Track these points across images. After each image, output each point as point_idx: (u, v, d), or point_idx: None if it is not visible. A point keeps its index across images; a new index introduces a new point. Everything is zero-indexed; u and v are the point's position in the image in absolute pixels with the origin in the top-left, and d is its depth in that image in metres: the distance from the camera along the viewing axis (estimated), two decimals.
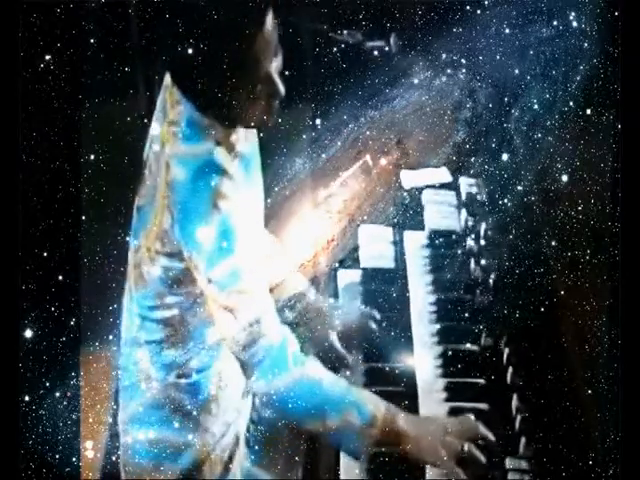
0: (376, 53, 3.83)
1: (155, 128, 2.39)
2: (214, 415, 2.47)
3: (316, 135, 2.39)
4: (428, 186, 3.21)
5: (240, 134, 2.37)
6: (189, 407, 2.45)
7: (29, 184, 3.95)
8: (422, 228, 3.05)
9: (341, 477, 2.33)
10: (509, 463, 2.19)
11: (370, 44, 4.02)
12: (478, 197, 2.97)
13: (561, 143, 2.63)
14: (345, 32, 3.98)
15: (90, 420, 3.38)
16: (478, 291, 2.64)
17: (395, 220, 3.18)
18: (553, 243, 2.54)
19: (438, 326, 2.63)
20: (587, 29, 2.64)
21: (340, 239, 3.20)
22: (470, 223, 2.87)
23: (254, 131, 2.48)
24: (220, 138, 2.31)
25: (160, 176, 2.33)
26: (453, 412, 2.36)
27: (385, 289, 2.86)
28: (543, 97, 2.77)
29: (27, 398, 3.72)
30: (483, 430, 2.25)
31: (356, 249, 3.05)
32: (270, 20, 2.20)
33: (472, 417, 2.28)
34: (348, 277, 2.97)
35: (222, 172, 2.26)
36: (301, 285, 2.73)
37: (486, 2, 3.37)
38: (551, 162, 2.65)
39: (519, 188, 2.75)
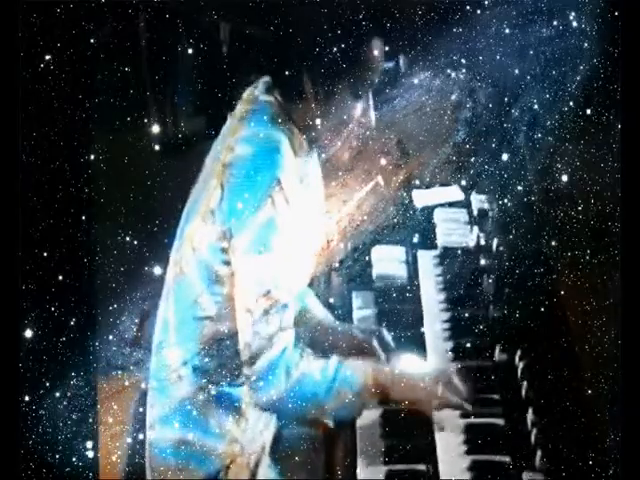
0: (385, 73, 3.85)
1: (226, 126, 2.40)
2: (242, 425, 2.46)
3: (316, 135, 2.38)
4: (440, 204, 3.21)
5: (305, 143, 2.38)
6: (218, 414, 2.44)
7: (29, 184, 3.96)
8: (434, 247, 3.06)
9: None
10: (525, 477, 2.18)
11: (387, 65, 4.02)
12: (490, 213, 2.97)
13: (561, 143, 2.63)
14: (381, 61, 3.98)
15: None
16: (491, 306, 2.64)
17: (407, 239, 3.18)
18: (553, 243, 2.54)
19: (452, 343, 2.64)
20: (587, 29, 2.64)
21: (339, 241, 3.20)
22: (482, 239, 2.87)
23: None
24: (291, 135, 2.31)
25: (218, 163, 2.31)
26: (468, 429, 2.36)
27: (399, 308, 2.87)
28: (543, 97, 2.77)
29: (27, 398, 3.73)
30: (455, 380, 2.36)
31: (369, 269, 3.05)
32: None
33: (450, 365, 2.43)
34: (362, 298, 2.98)
35: (285, 166, 2.26)
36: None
37: (486, 2, 3.37)
38: (551, 162, 2.65)
39: (519, 188, 2.75)
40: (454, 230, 3.08)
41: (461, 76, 3.54)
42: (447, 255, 2.98)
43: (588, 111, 2.52)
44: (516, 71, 2.99)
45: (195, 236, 2.36)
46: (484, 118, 3.27)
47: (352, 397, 2.33)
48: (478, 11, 3.41)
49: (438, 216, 3.17)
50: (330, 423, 2.37)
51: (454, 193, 3.28)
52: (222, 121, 2.46)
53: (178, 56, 4.17)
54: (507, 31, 3.15)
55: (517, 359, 2.44)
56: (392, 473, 2.34)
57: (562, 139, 2.63)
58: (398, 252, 3.13)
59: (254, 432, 2.49)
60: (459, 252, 2.95)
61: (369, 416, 2.48)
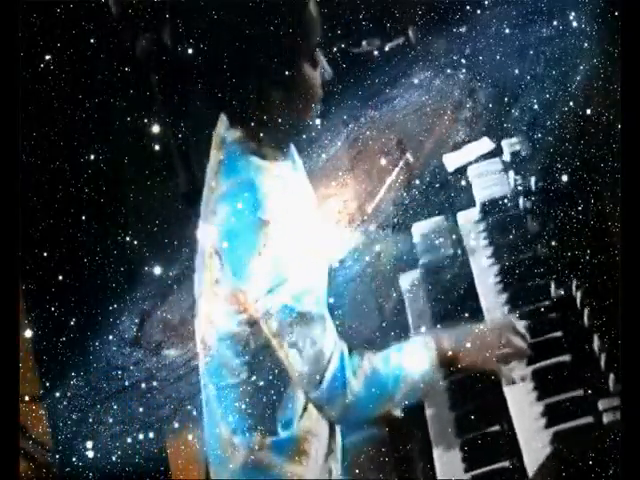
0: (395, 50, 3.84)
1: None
2: (304, 461, 2.43)
3: (316, 135, 2.38)
4: (472, 161, 3.16)
5: (280, 157, 2.36)
6: (279, 463, 2.41)
7: (29, 184, 3.96)
8: (473, 204, 2.98)
9: None
10: (602, 405, 2.13)
11: (390, 44, 4.02)
12: (523, 153, 2.92)
13: (561, 143, 2.63)
14: (364, 43, 3.98)
15: None
16: (539, 246, 2.60)
17: (446, 207, 3.14)
18: (553, 243, 2.53)
19: (507, 294, 2.58)
20: (587, 29, 2.64)
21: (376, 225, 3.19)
22: (519, 181, 2.82)
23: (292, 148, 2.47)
24: (263, 162, 2.29)
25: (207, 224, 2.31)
26: (536, 374, 2.33)
27: (448, 277, 2.82)
28: (543, 97, 2.78)
29: (27, 398, 3.73)
30: (519, 328, 2.33)
31: (412, 249, 3.01)
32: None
33: (510, 318, 2.37)
34: (410, 279, 2.94)
35: (265, 196, 2.22)
36: None
37: (486, 2, 3.38)
38: (551, 162, 2.65)
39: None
40: (490, 182, 2.99)
41: (461, 76, 3.54)
42: (487, 209, 2.90)
43: (588, 111, 2.52)
44: (516, 71, 3.00)
45: (210, 310, 2.35)
46: (484, 118, 3.27)
47: (421, 375, 2.29)
48: (478, 11, 3.42)
49: (472, 173, 3.08)
50: (398, 412, 2.36)
51: (484, 145, 3.23)
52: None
53: (178, 56, 4.16)
54: (507, 31, 3.16)
55: (574, 289, 2.39)
56: (467, 441, 2.32)
57: (562, 139, 2.62)
58: (438, 222, 3.06)
59: (318, 463, 2.46)
60: (499, 202, 2.88)
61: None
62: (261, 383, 2.35)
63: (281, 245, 2.20)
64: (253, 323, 2.29)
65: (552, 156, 2.65)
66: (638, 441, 1.77)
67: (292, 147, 2.47)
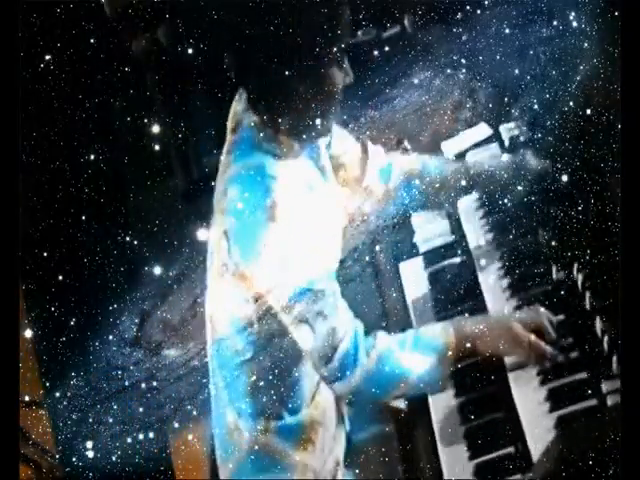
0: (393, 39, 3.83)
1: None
2: (309, 449, 2.43)
3: (316, 135, 2.38)
4: (471, 147, 3.14)
5: (296, 145, 2.36)
6: (284, 448, 2.41)
7: (29, 184, 3.97)
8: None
9: None
10: (605, 387, 2.13)
11: (386, 34, 4.02)
12: (521, 138, 2.91)
13: (561, 143, 2.62)
14: (359, 33, 3.98)
15: None
16: (540, 229, 2.58)
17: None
18: (553, 243, 2.53)
19: (509, 279, 2.57)
20: (587, 29, 2.64)
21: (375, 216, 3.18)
22: (518, 165, 2.76)
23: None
24: (276, 149, 2.30)
25: (217, 208, 2.32)
26: (542, 358, 2.30)
27: (449, 263, 2.80)
28: (543, 97, 2.77)
29: (27, 398, 3.73)
30: (546, 323, 2.30)
31: (411, 237, 2.99)
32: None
33: (540, 308, 2.34)
34: (411, 267, 2.91)
35: (275, 181, 2.23)
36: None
37: (486, 2, 3.38)
38: (551, 162, 2.65)
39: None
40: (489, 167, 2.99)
41: (461, 76, 3.54)
42: (486, 194, 2.86)
43: (588, 111, 2.51)
44: (516, 71, 2.99)
45: (217, 292, 2.36)
46: (484, 118, 3.27)
47: (437, 361, 2.29)
48: (478, 11, 3.42)
49: (470, 159, 3.05)
50: (402, 405, 2.36)
51: (482, 130, 3.21)
52: (222, 121, 2.46)
53: (178, 56, 4.16)
54: (507, 31, 3.15)
55: (575, 272, 2.38)
56: (471, 429, 2.31)
57: (562, 139, 2.62)
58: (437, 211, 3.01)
59: (324, 452, 2.46)
60: (498, 187, 2.83)
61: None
62: (267, 363, 2.35)
63: (288, 227, 2.21)
64: (259, 302, 2.29)
65: (552, 156, 2.65)
66: (638, 441, 1.77)
67: (319, 145, 2.47)
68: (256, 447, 2.41)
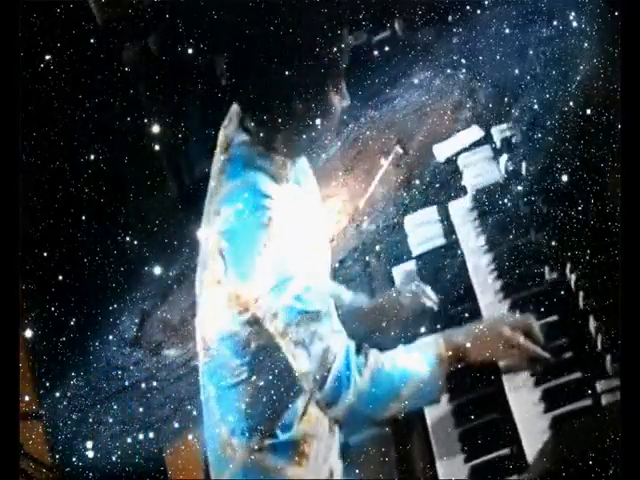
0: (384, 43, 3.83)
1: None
2: (304, 463, 2.44)
3: (316, 135, 2.38)
4: (462, 150, 3.14)
5: (288, 163, 2.36)
6: (279, 464, 2.41)
7: (29, 184, 3.97)
8: (465, 193, 2.97)
9: None
10: (599, 387, 2.13)
11: (377, 38, 4.03)
12: (513, 139, 2.91)
13: (561, 143, 2.62)
14: (350, 37, 3.98)
15: None
16: (532, 230, 2.59)
17: (438, 198, 3.11)
18: (553, 243, 2.53)
19: (501, 282, 2.57)
20: (587, 29, 2.64)
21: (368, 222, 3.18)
22: (510, 167, 2.81)
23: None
24: (269, 166, 2.30)
25: (210, 227, 2.31)
26: (533, 360, 2.32)
27: (442, 267, 2.79)
28: (543, 97, 2.77)
29: (27, 398, 3.73)
30: (536, 330, 2.31)
31: (404, 240, 2.99)
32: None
33: (530, 315, 2.34)
34: (403, 271, 2.90)
35: (267, 198, 2.23)
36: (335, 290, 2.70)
37: (486, 2, 3.38)
38: (551, 162, 2.65)
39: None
40: (481, 170, 2.97)
41: (461, 76, 3.54)
42: (479, 197, 2.88)
43: (588, 111, 2.51)
44: (516, 71, 2.99)
45: (210, 310, 2.35)
46: (484, 118, 3.27)
47: (430, 374, 2.29)
48: (478, 11, 3.42)
49: (462, 162, 3.05)
50: (409, 409, 2.33)
51: (474, 133, 3.22)
52: (222, 121, 2.45)
53: (177, 56, 4.17)
54: (507, 31, 3.16)
55: (568, 273, 2.38)
56: (466, 431, 2.30)
57: (562, 139, 2.62)
58: (430, 213, 3.03)
59: (317, 461, 2.46)
60: (490, 188, 2.86)
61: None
62: (261, 384, 2.35)
63: (283, 246, 2.21)
64: (254, 323, 2.29)
65: (552, 156, 2.65)
66: (638, 441, 1.77)
67: (304, 161, 2.48)
68: (250, 464, 2.41)
